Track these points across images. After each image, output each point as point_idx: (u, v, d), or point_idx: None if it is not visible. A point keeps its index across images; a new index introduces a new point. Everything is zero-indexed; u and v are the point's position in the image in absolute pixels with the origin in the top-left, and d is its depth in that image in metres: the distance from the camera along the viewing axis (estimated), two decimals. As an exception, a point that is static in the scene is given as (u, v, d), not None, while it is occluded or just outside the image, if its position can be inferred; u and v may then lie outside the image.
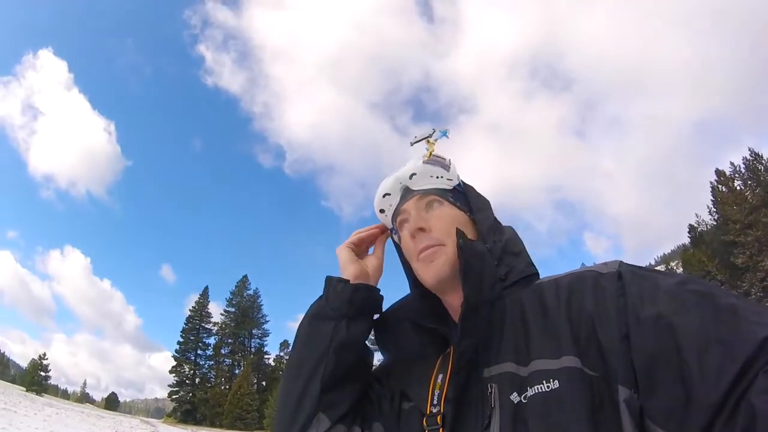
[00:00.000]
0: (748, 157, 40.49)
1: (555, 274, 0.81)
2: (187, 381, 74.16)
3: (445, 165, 0.93)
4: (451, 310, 0.88)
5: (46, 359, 69.96)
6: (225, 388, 71.44)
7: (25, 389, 62.89)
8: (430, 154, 0.93)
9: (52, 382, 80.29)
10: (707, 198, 41.94)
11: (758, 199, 37.52)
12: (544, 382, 0.65)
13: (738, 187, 39.92)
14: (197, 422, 66.71)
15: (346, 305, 0.89)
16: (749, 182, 39.92)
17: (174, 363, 75.02)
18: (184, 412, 70.37)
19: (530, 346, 0.70)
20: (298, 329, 0.92)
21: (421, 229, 0.86)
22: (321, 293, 0.94)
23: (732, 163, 41.62)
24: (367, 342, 0.93)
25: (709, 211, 42.02)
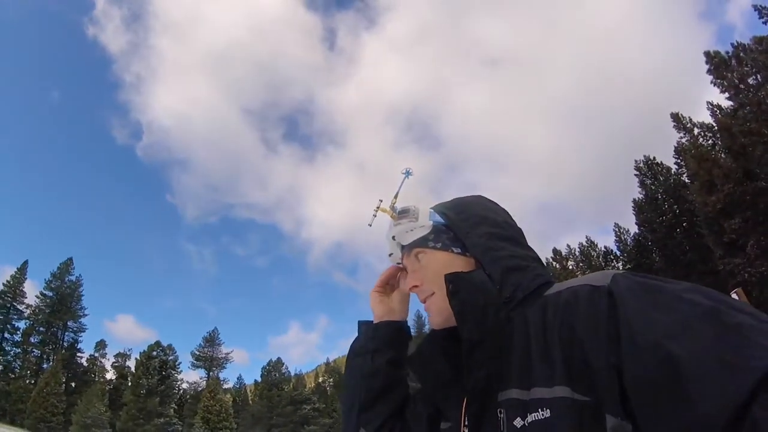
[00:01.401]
0: (584, 243, 47.42)
1: (564, 282, 0.83)
2: (-11, 368, 63.65)
3: (412, 216, 0.98)
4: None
5: None
6: (30, 382, 61.24)
7: None
8: (392, 216, 1.01)
9: None
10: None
11: None
12: (539, 410, 0.69)
13: (570, 267, 46.33)
14: None
15: (371, 342, 1.08)
16: (581, 264, 45.98)
17: None
18: None
19: (531, 371, 0.73)
20: (345, 366, 1.14)
21: (415, 287, 0.97)
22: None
23: (568, 246, 48.51)
24: (399, 369, 1.08)
25: None
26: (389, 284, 1.16)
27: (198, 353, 70.13)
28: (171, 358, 54.36)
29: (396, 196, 1.03)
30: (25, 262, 68.29)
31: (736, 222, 29.58)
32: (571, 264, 46.37)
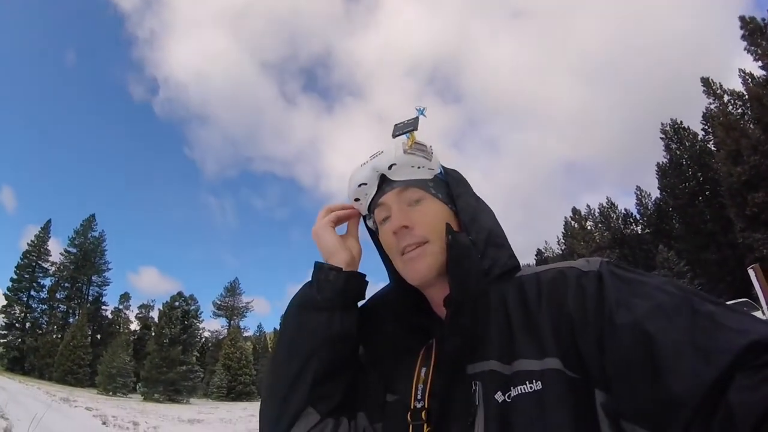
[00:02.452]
0: (605, 204, 47.14)
1: (536, 267, 0.82)
2: (17, 324, 64.18)
3: (428, 154, 0.87)
4: (433, 303, 0.87)
5: None
6: (57, 337, 63.31)
7: None
8: (412, 142, 0.86)
9: None
10: (558, 230, 46.73)
11: (606, 241, 43.10)
12: (527, 382, 0.66)
13: (588, 227, 46.63)
14: (25, 372, 58.76)
15: (340, 296, 0.86)
16: (600, 225, 46.14)
17: (4, 302, 64.86)
18: (12, 360, 61.37)
19: (514, 344, 0.71)
20: (284, 318, 0.89)
21: (405, 227, 0.83)
22: (309, 277, 0.90)
23: (588, 205, 48.56)
24: None
25: (558, 241, 50.48)
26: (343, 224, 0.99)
27: (219, 303, 72.95)
28: (193, 308, 55.35)
29: (416, 126, 0.86)
30: (49, 221, 69.90)
31: (760, 195, 29.01)
32: (589, 224, 46.32)
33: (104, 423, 15.17)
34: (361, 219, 0.98)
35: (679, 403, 0.53)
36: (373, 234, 0.96)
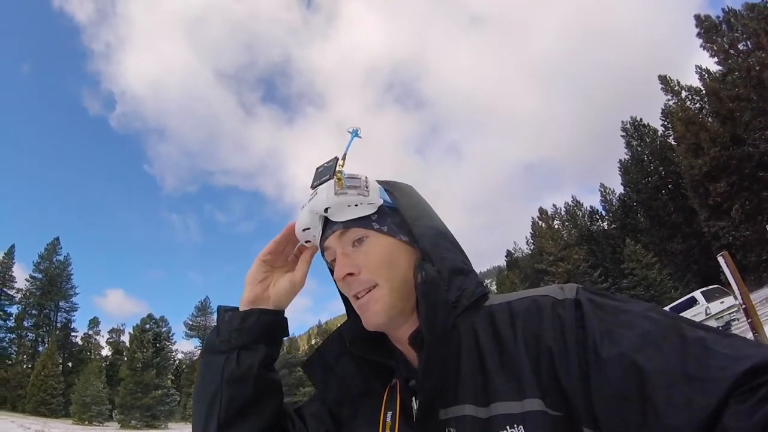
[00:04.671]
0: (570, 202, 49.19)
1: (506, 295, 0.76)
2: (-15, 354, 63.08)
3: (362, 189, 0.80)
4: (396, 342, 0.82)
5: None
6: (27, 366, 61.12)
7: None
8: (341, 183, 0.79)
9: None
10: (526, 230, 48.23)
11: (573, 238, 44.31)
12: (508, 427, 0.62)
13: (556, 226, 46.85)
14: None
15: (236, 335, 0.82)
16: (566, 223, 47.25)
17: None
18: None
19: (489, 384, 0.67)
20: (199, 367, 0.87)
21: (350, 275, 0.78)
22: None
23: (554, 205, 49.61)
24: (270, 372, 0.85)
25: (527, 241, 50.78)
26: (282, 257, 0.91)
27: (191, 323, 70.66)
28: (164, 329, 54.45)
29: (344, 159, 0.81)
30: (12, 246, 67.19)
31: (721, 186, 30.05)
32: (556, 223, 46.85)
33: None
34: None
35: (675, 430, 0.51)
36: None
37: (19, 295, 66.18)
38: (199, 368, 0.85)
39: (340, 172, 0.79)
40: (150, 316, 52.65)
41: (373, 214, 0.80)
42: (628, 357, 0.57)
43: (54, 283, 67.07)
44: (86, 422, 46.45)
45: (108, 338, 66.79)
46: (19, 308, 65.87)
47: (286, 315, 0.89)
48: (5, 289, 65.41)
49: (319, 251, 0.88)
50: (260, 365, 0.80)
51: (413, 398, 0.74)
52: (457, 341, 0.72)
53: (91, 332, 67.64)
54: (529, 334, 0.66)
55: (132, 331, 51.80)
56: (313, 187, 0.80)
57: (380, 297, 0.75)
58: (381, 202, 0.81)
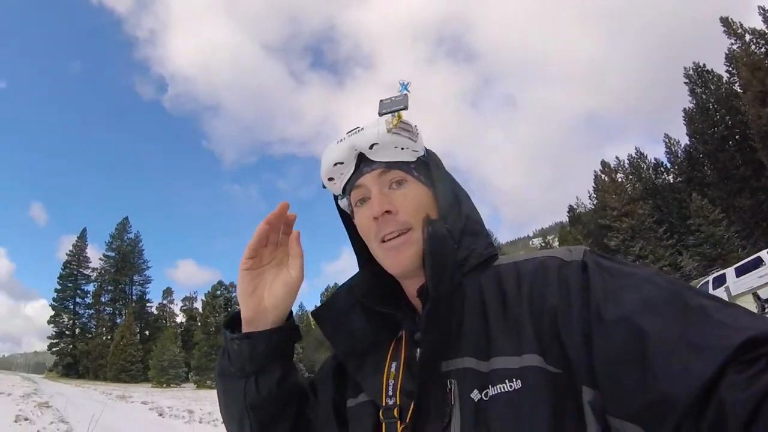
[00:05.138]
0: (634, 155, 46.93)
1: (514, 256, 0.77)
2: (66, 332, 66.99)
3: (413, 134, 0.80)
4: (408, 293, 0.83)
5: None
6: (107, 338, 65.58)
7: None
8: (398, 121, 0.77)
9: None
10: (588, 184, 46.98)
11: (637, 192, 42.58)
12: (506, 381, 0.63)
13: (619, 179, 44.33)
14: (80, 375, 61.26)
15: (249, 363, 0.79)
16: (630, 177, 45.13)
17: (52, 312, 67.12)
18: (66, 366, 64.10)
19: (491, 340, 0.67)
20: (217, 386, 0.86)
21: (388, 212, 0.76)
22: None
23: (617, 157, 47.00)
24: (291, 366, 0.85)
25: (589, 196, 48.10)
26: (266, 254, 0.84)
27: None
28: (234, 294, 56.23)
29: (406, 104, 0.78)
30: (84, 229, 72.50)
31: None
32: (620, 177, 45.10)
33: (160, 414, 15.72)
34: (333, 199, 0.91)
35: (671, 401, 0.51)
36: (345, 216, 0.91)
37: (95, 274, 71.19)
38: (218, 389, 0.85)
39: (395, 114, 0.78)
40: (220, 283, 55.60)
41: (412, 162, 0.81)
42: (629, 320, 0.57)
43: (127, 259, 71.78)
44: (164, 385, 49.15)
45: (182, 306, 71.09)
46: (96, 286, 70.91)
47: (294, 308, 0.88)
48: (81, 270, 70.46)
49: (338, 196, 0.89)
50: (278, 385, 0.81)
51: (418, 350, 0.75)
52: (462, 298, 0.74)
53: (165, 302, 72.12)
54: (534, 293, 0.67)
55: (204, 298, 54.75)
56: (382, 114, 0.78)
57: (416, 240, 0.76)
58: (423, 152, 0.83)
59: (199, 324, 56.19)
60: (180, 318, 70.80)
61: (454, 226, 0.77)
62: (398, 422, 0.71)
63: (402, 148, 0.79)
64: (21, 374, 65.15)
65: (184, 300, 71.08)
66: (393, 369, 0.77)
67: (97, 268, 70.95)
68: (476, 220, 0.81)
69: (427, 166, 0.83)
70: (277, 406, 0.81)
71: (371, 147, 0.78)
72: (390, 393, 0.75)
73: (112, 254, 71.66)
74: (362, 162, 0.80)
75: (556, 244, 52.63)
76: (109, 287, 70.71)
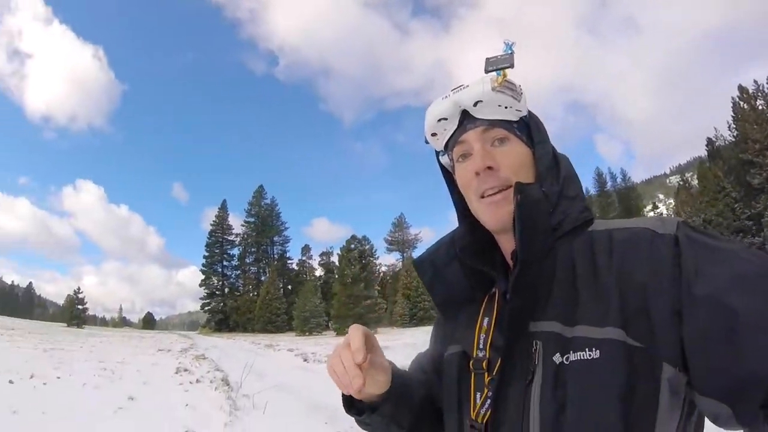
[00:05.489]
0: None
1: (609, 222, 0.76)
2: (216, 292, 76.79)
3: (517, 93, 0.79)
4: (504, 250, 0.83)
5: (81, 293, 72.34)
6: (253, 295, 73.69)
7: (65, 324, 65.12)
8: (503, 80, 0.77)
9: (89, 313, 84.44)
10: (727, 113, 40.80)
11: None
12: (586, 349, 0.64)
13: (760, 107, 38.61)
14: (231, 329, 69.78)
15: (389, 426, 0.87)
16: None
17: (202, 276, 77.46)
18: (218, 322, 73.47)
19: (577, 307, 0.68)
20: None
21: (490, 168, 0.77)
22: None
23: (756, 81, 39.85)
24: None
25: (729, 127, 41.72)
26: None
27: (390, 238, 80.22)
28: (367, 247, 59.90)
29: (512, 63, 0.76)
30: (224, 201, 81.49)
31: None
32: (760, 104, 38.60)
33: (305, 360, 16.95)
34: (435, 155, 0.92)
35: (758, 379, 0.51)
36: (446, 172, 0.91)
37: (238, 239, 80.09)
38: None
39: (500, 72, 0.77)
40: (354, 237, 58.84)
41: (514, 121, 0.80)
42: (719, 297, 0.56)
43: (266, 223, 79.73)
44: (306, 333, 53.33)
45: (319, 261, 77.57)
46: (240, 249, 79.77)
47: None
48: (225, 237, 79.50)
49: (439, 152, 0.89)
50: (416, 416, 0.88)
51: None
52: (554, 262, 0.73)
53: (304, 258, 79.10)
54: (624, 265, 0.66)
55: (339, 252, 58.55)
56: (488, 71, 0.78)
57: (514, 198, 0.75)
58: (525, 113, 0.81)
59: (336, 276, 60.18)
60: (318, 272, 77.23)
61: (551, 189, 0.77)
62: (485, 374, 0.74)
63: (505, 107, 0.78)
64: (178, 332, 75.50)
65: (321, 255, 77.34)
66: (485, 323, 0.79)
67: (239, 234, 79.82)
68: (574, 183, 0.80)
69: (528, 127, 0.82)
70: (424, 418, 0.89)
71: (475, 104, 0.78)
72: (481, 346, 0.77)
73: (252, 220, 79.97)
74: (466, 119, 0.80)
75: (695, 182, 46.56)
76: (252, 249, 79.16)
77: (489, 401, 0.72)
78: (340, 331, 53.10)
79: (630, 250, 0.67)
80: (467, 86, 0.79)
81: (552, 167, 0.79)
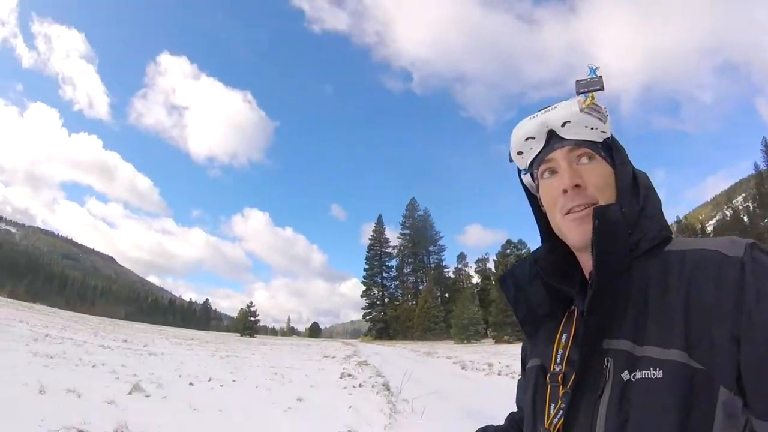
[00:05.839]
0: None
1: (686, 242, 0.76)
2: (377, 302, 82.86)
3: (603, 116, 0.81)
4: (584, 267, 0.85)
5: (253, 306, 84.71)
6: (412, 303, 77.25)
7: (239, 334, 76.44)
8: (591, 102, 0.80)
9: (261, 324, 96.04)
10: None
11: None
12: (651, 368, 0.66)
13: None
14: (391, 337, 74.31)
15: None
16: None
17: (363, 288, 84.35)
18: (379, 330, 78.98)
19: (647, 327, 0.70)
20: None
21: (577, 186, 0.79)
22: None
23: None
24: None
25: None
26: None
27: None
28: (524, 251, 58.36)
29: (602, 85, 0.80)
30: (380, 216, 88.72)
31: None
32: None
33: (463, 368, 17.04)
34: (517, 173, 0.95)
35: None
36: (527, 191, 0.94)
37: (395, 251, 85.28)
38: None
39: (589, 95, 0.80)
40: (509, 242, 58.28)
41: (599, 142, 0.82)
42: None
43: (421, 233, 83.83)
44: (465, 341, 53.83)
45: (475, 268, 77.68)
46: (398, 260, 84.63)
47: None
48: (383, 249, 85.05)
49: (521, 171, 0.92)
50: None
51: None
52: (629, 282, 0.74)
53: (460, 266, 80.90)
54: (692, 288, 0.67)
55: (495, 258, 58.33)
56: (579, 93, 0.80)
57: None
58: (610, 134, 0.83)
59: (494, 283, 59.79)
60: (475, 279, 77.44)
61: (631, 209, 0.78)
62: (560, 387, 0.78)
63: (592, 128, 0.80)
64: (341, 340, 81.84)
65: (477, 262, 77.26)
66: (563, 339, 0.82)
67: (396, 246, 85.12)
68: (653, 201, 0.81)
69: (610, 149, 0.84)
70: None
71: (563, 125, 0.81)
72: (558, 361, 0.81)
73: (407, 232, 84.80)
74: (552, 138, 0.83)
75: None
76: (409, 260, 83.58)
77: (561, 412, 0.76)
78: (499, 339, 52.36)
79: (698, 273, 0.68)
80: (555, 107, 0.82)
81: (632, 188, 0.82)
